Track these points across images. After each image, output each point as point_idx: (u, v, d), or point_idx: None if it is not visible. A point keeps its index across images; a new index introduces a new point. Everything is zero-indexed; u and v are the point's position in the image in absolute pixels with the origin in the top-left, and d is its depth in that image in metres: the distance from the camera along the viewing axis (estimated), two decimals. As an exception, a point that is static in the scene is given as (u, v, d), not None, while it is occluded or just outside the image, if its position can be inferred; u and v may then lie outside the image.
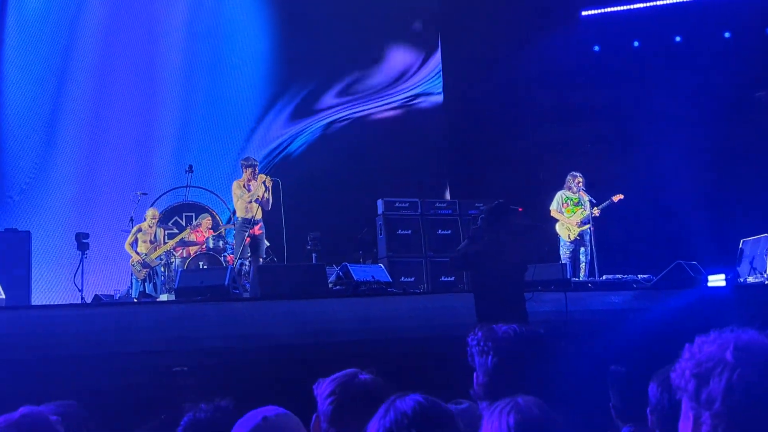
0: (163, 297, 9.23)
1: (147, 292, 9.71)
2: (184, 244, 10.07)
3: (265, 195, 9.08)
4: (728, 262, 9.66)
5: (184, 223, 10.98)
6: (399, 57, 13.52)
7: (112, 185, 11.86)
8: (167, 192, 11.51)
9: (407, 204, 10.47)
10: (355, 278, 8.37)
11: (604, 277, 9.65)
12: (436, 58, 13.60)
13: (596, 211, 9.88)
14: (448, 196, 12.63)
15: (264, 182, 9.08)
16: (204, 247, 9.93)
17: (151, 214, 10.17)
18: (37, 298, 9.46)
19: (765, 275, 9.33)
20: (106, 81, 12.23)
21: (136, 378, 5.89)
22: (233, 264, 9.19)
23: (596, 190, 10.13)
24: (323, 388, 2.18)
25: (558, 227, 9.99)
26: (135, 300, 9.55)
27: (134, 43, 12.40)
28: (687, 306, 7.52)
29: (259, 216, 9.17)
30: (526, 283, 6.45)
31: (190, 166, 10.99)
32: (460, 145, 13.15)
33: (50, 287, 10.44)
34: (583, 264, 9.94)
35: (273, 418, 2.10)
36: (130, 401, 5.40)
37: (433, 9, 13.66)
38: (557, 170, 10.67)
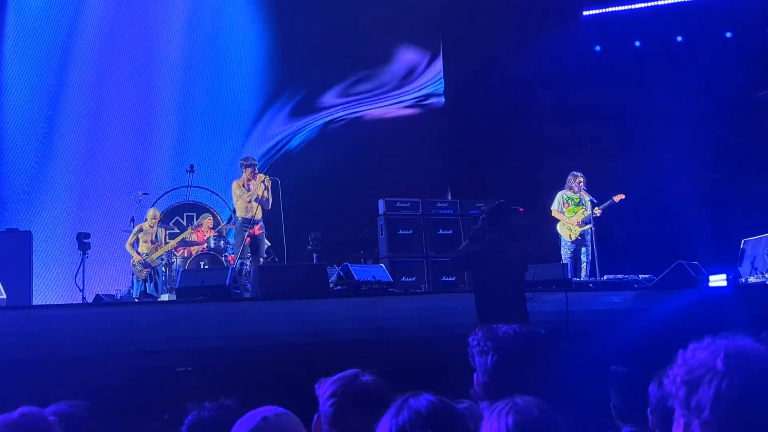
0: (164, 297, 9.23)
1: (148, 292, 9.71)
2: (185, 244, 10.07)
3: (265, 194, 9.09)
4: (729, 262, 9.65)
5: (185, 223, 10.98)
6: (403, 58, 13.51)
7: (112, 185, 11.85)
8: (168, 192, 11.51)
9: (408, 204, 10.46)
10: (356, 278, 8.36)
11: (605, 277, 9.64)
12: (439, 59, 13.59)
13: (597, 211, 9.87)
14: (449, 196, 12.62)
15: (263, 181, 9.09)
16: (205, 247, 9.93)
17: (152, 214, 10.17)
18: (38, 298, 9.47)
19: (766, 275, 9.33)
20: (105, 81, 12.22)
21: (136, 378, 5.89)
22: (234, 264, 9.19)
23: (597, 189, 10.12)
24: (325, 389, 2.18)
25: (559, 227, 9.99)
26: (136, 300, 9.54)
27: (133, 43, 12.39)
28: (688, 306, 7.53)
29: (259, 216, 9.18)
30: (527, 283, 6.45)
31: (191, 166, 10.99)
32: (461, 145, 13.14)
33: (51, 287, 10.45)
34: (584, 264, 9.93)
35: (273, 418, 2.10)
36: (130, 401, 5.40)
37: (434, 9, 13.66)
38: (558, 170, 10.68)
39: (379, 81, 13.37)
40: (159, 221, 10.22)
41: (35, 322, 6.65)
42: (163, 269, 9.96)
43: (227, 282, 7.83)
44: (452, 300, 8.02)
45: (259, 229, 9.20)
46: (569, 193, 10.04)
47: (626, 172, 11.39)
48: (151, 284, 9.86)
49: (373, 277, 8.48)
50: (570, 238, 9.90)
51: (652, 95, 12.27)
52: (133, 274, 10.03)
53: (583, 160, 11.36)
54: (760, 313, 7.34)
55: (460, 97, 13.31)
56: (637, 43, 13.02)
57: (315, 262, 9.87)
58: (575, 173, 10.05)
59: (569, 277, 8.83)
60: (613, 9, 12.97)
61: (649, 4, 12.75)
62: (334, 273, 8.93)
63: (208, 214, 10.83)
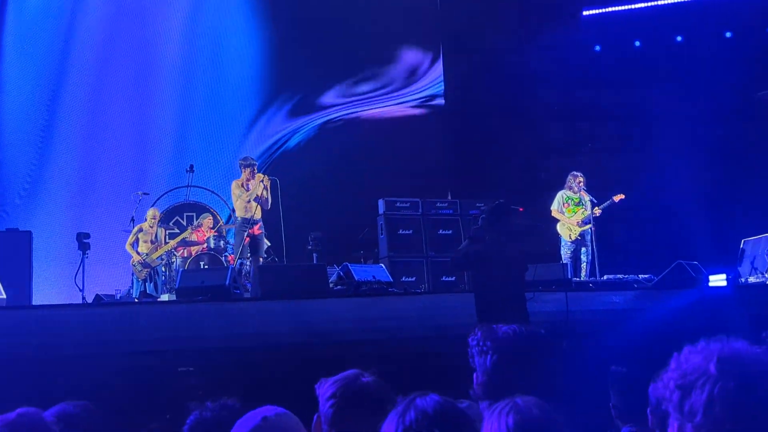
0: (164, 297, 9.23)
1: (148, 292, 9.71)
2: (185, 243, 10.07)
3: (264, 194, 9.09)
4: (729, 262, 9.65)
5: (185, 223, 10.98)
6: (405, 58, 13.50)
7: (112, 185, 11.86)
8: (168, 192, 11.51)
9: (408, 204, 10.46)
10: (356, 278, 8.36)
11: (605, 277, 9.64)
12: (440, 60, 13.59)
13: (597, 211, 9.87)
14: (449, 196, 12.62)
15: (262, 181, 9.10)
16: (205, 246, 9.93)
17: (152, 214, 10.17)
18: (38, 298, 9.48)
19: (766, 275, 9.33)
20: (105, 81, 12.22)
21: (136, 378, 5.89)
22: (234, 264, 9.19)
23: (597, 190, 10.12)
24: (325, 389, 2.17)
25: (559, 227, 9.98)
26: (136, 300, 9.54)
27: (133, 43, 12.39)
28: (688, 306, 7.53)
29: (258, 215, 9.18)
30: (527, 283, 6.45)
31: (191, 166, 10.99)
32: (461, 145, 13.14)
33: (51, 287, 10.45)
34: (584, 264, 9.93)
35: (273, 418, 2.10)
36: (130, 401, 5.40)
37: (435, 9, 13.65)
38: (558, 170, 10.68)
39: (380, 81, 13.37)
40: (159, 221, 10.22)
41: (35, 322, 6.65)
42: (163, 269, 9.96)
43: (227, 282, 7.82)
44: (452, 300, 8.02)
45: (258, 229, 9.20)
46: (569, 193, 10.03)
47: (626, 172, 11.39)
48: (151, 284, 9.86)
49: (373, 277, 8.48)
50: (570, 238, 9.90)
51: (652, 95, 12.27)
52: (133, 274, 10.02)
53: (583, 160, 11.36)
54: (760, 313, 7.33)
55: (460, 97, 13.31)
56: (637, 43, 13.03)
57: (315, 262, 9.87)
58: (575, 173, 10.04)
59: (569, 277, 8.83)
60: (613, 9, 12.97)
61: (649, 4, 12.75)
62: (334, 273, 8.93)
63: (207, 214, 10.82)
